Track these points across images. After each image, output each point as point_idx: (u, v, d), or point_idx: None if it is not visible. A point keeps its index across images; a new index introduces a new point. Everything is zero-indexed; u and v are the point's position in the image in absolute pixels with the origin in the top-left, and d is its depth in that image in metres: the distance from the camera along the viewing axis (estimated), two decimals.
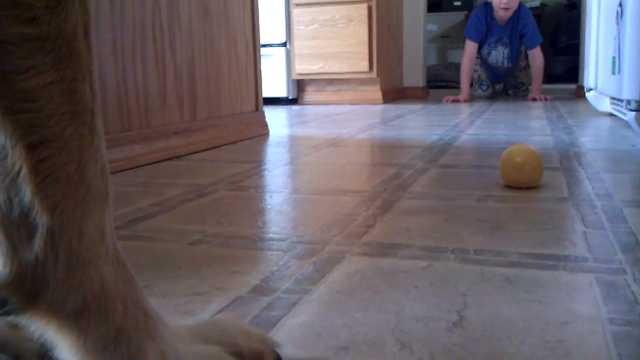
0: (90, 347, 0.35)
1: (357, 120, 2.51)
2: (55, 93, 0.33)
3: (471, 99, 3.61)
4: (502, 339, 0.49)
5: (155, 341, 0.37)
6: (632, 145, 1.55)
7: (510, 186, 1.07)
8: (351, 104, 3.55)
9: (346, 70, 3.47)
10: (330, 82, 3.62)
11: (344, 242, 0.76)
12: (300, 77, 3.58)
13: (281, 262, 0.69)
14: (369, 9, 3.38)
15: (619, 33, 1.81)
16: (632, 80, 1.66)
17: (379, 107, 3.25)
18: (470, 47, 3.55)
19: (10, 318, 0.36)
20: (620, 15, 1.78)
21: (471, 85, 3.73)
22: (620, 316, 0.52)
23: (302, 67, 3.54)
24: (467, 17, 3.72)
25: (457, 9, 5.66)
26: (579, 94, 3.52)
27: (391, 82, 3.77)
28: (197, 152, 1.61)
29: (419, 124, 2.30)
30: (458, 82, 3.64)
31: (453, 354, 0.46)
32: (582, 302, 0.55)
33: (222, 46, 1.80)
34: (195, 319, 0.54)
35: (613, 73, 1.89)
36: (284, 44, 3.52)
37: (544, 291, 0.58)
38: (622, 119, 1.98)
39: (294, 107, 3.39)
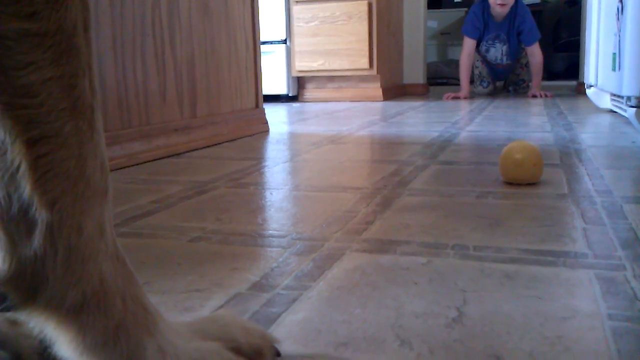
0: (89, 342, 0.35)
1: (357, 117, 2.51)
2: (54, 89, 0.33)
3: (471, 95, 3.61)
4: (502, 334, 0.49)
5: (155, 337, 0.38)
6: (633, 142, 1.55)
7: (510, 183, 1.07)
8: (351, 101, 3.55)
9: (346, 67, 3.47)
10: (331, 79, 3.62)
11: (343, 238, 0.77)
12: (300, 74, 3.58)
13: (281, 259, 0.69)
14: (369, 5, 3.38)
15: (619, 29, 1.80)
16: (633, 77, 1.66)
17: (379, 104, 3.24)
18: (468, 44, 3.55)
19: (9, 314, 0.36)
20: (620, 11, 1.78)
21: (472, 82, 3.73)
22: (620, 312, 0.52)
23: (302, 64, 3.53)
24: (467, 13, 3.71)
25: (457, 5, 5.66)
26: (580, 90, 3.52)
27: (391, 79, 3.77)
28: (197, 150, 1.61)
29: (419, 120, 2.30)
30: (458, 79, 3.64)
31: (452, 350, 0.46)
32: (582, 298, 0.55)
33: (222, 43, 1.80)
34: (194, 315, 0.54)
35: (613, 69, 1.89)
36: (284, 41, 3.52)
37: (543, 287, 0.58)
38: (622, 116, 1.98)
39: (294, 105, 3.39)
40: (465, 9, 5.37)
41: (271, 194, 1.04)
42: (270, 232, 0.81)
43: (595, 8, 2.41)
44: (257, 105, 2.03)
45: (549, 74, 5.20)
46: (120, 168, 1.32)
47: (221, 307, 0.56)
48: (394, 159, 1.38)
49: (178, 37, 1.57)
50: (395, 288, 0.59)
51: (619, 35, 1.79)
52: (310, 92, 3.66)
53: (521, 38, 3.49)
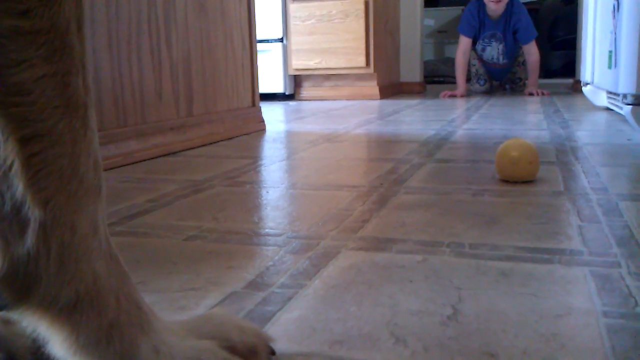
0: (82, 342, 0.35)
1: (353, 115, 2.51)
2: (47, 86, 0.33)
3: (468, 94, 3.61)
4: (497, 332, 0.49)
5: (148, 336, 0.37)
6: (628, 139, 1.55)
7: (506, 180, 1.07)
8: (348, 99, 3.55)
9: (343, 65, 3.47)
10: (327, 77, 3.62)
11: (339, 236, 0.76)
12: (297, 73, 3.58)
13: (277, 257, 0.69)
14: (366, 4, 3.38)
15: (615, 27, 1.81)
16: (628, 74, 1.66)
17: (376, 103, 3.24)
18: (464, 42, 3.55)
19: (2, 313, 0.36)
20: (616, 9, 1.78)
21: (469, 80, 3.73)
22: (615, 309, 0.52)
23: (299, 63, 3.53)
24: (464, 12, 3.71)
25: (454, 3, 5.65)
26: (576, 88, 3.53)
27: (388, 78, 3.77)
28: (193, 148, 1.61)
29: (416, 119, 2.30)
30: (455, 77, 3.64)
31: (447, 348, 0.46)
32: (577, 296, 0.55)
33: (219, 42, 1.80)
34: (189, 314, 0.54)
35: (609, 67, 1.89)
36: (281, 40, 3.52)
37: (538, 284, 0.58)
38: (618, 113, 1.98)
39: (291, 103, 3.39)
40: (462, 7, 5.36)
41: (267, 192, 1.04)
42: (266, 230, 0.81)
43: (591, 6, 2.41)
44: (253, 104, 2.03)
45: (546, 72, 5.20)
46: (116, 167, 1.32)
47: (216, 305, 0.56)
48: (390, 157, 1.38)
49: (174, 35, 1.57)
50: (391, 286, 0.59)
51: (615, 33, 1.79)
52: (307, 90, 3.66)
53: (517, 36, 3.49)
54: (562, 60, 5.22)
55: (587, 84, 2.55)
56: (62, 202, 0.34)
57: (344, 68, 3.48)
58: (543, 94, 3.36)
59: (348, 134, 1.86)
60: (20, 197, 0.33)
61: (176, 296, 0.59)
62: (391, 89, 3.82)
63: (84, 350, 0.35)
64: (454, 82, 3.70)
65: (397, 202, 0.94)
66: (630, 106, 1.66)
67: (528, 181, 1.06)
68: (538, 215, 0.84)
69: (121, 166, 1.33)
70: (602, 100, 2.26)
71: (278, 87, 3.57)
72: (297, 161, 1.36)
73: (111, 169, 1.29)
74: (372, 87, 3.55)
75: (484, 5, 3.48)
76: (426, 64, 4.92)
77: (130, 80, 1.41)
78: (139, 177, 1.20)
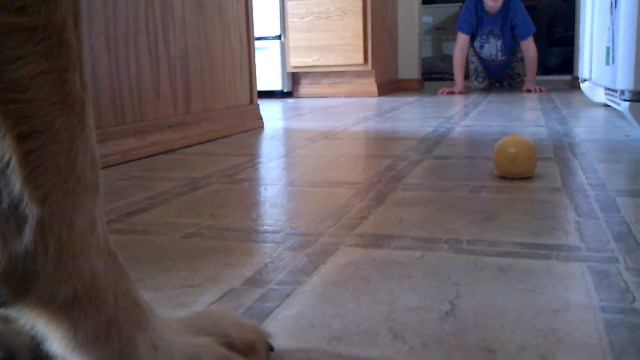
0: (81, 339, 0.35)
1: (352, 112, 2.51)
2: (44, 83, 0.33)
3: (466, 90, 3.62)
4: (495, 327, 0.49)
5: (147, 332, 0.37)
6: (626, 136, 1.55)
7: (504, 177, 1.07)
8: (346, 96, 3.55)
9: (341, 62, 3.47)
10: (325, 74, 3.62)
11: (337, 233, 0.77)
12: (295, 70, 3.58)
13: (275, 254, 0.69)
14: (364, 1, 3.37)
15: (612, 23, 1.81)
16: (626, 71, 1.66)
17: (374, 100, 3.24)
18: (462, 39, 3.55)
19: (0, 311, 0.36)
20: (614, 5, 1.78)
21: (467, 77, 3.73)
22: (612, 304, 0.52)
23: (297, 60, 3.53)
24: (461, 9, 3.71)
25: (451, 1, 5.65)
26: (574, 85, 3.53)
27: (386, 75, 3.77)
28: (191, 146, 1.61)
29: (414, 116, 2.30)
30: (453, 74, 3.64)
31: (445, 343, 0.46)
32: (575, 291, 0.56)
33: (216, 39, 1.79)
34: (188, 310, 0.54)
35: (607, 63, 1.89)
36: (279, 37, 3.52)
37: (536, 280, 0.58)
38: (616, 110, 1.98)
39: (289, 100, 3.39)
40: (460, 4, 5.37)
41: (265, 189, 1.04)
42: (265, 227, 0.81)
43: (589, 3, 2.41)
44: (251, 101, 2.03)
45: (544, 68, 5.21)
46: (114, 165, 1.32)
47: (215, 302, 0.56)
48: (388, 154, 1.38)
49: (172, 33, 1.57)
50: (389, 282, 0.59)
51: (613, 30, 1.79)
52: (305, 87, 3.66)
53: (515, 32, 3.49)
54: (560, 56, 5.22)
55: (585, 80, 2.55)
56: (60, 199, 0.34)
57: (342, 65, 3.48)
58: (541, 90, 3.36)
59: (346, 131, 1.86)
60: (17, 194, 0.33)
61: (174, 293, 0.59)
62: (389, 86, 3.82)
63: (83, 347, 0.35)
64: (452, 79, 3.70)
65: (395, 198, 0.94)
66: (628, 102, 1.66)
67: (526, 177, 1.06)
68: (536, 211, 0.84)
69: (119, 164, 1.33)
70: (600, 96, 2.26)
71: (276, 85, 3.56)
72: (295, 158, 1.36)
73: (109, 166, 1.29)
74: (370, 84, 3.55)
75: (481, 2, 3.48)
76: (424, 61, 4.92)
77: (128, 78, 1.41)
78: (136, 175, 1.20)
